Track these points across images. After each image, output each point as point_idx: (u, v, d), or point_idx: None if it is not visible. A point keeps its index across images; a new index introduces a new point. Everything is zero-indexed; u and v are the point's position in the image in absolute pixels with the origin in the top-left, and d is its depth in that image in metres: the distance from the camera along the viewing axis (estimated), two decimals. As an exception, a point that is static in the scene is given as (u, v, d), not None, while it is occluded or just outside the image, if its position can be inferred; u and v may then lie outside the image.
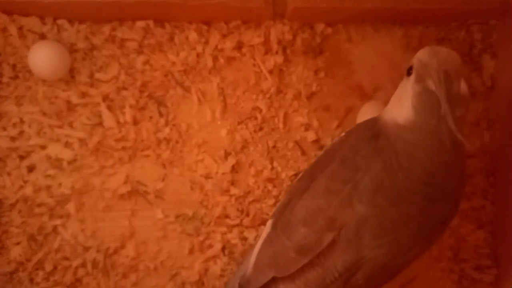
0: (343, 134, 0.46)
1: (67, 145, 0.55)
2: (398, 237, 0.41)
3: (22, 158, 0.54)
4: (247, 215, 0.55)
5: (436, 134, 0.39)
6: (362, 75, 0.56)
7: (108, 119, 0.55)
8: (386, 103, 0.55)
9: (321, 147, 0.56)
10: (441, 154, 0.40)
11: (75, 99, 0.55)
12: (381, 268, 0.42)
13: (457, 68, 0.39)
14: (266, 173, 0.55)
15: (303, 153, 0.56)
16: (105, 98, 0.55)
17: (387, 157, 0.41)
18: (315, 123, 0.56)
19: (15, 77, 0.55)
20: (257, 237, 0.54)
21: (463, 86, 0.40)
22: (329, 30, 0.56)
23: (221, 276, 0.55)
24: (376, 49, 0.56)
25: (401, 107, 0.41)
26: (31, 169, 0.54)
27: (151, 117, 0.55)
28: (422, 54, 0.41)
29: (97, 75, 0.55)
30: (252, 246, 0.49)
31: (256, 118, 0.56)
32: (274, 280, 0.44)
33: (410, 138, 0.40)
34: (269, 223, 0.47)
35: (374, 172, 0.41)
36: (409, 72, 0.41)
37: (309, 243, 0.42)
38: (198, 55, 0.56)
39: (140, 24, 0.55)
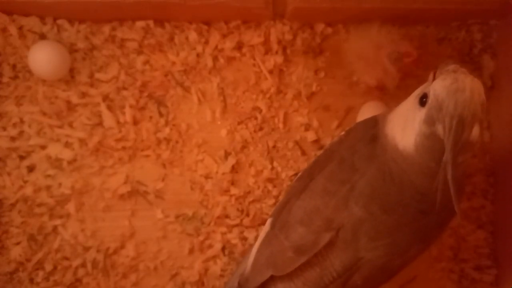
0: (342, 133, 0.46)
1: (67, 145, 0.54)
2: (394, 240, 0.41)
3: (22, 158, 0.54)
4: (247, 215, 0.55)
5: (432, 173, 0.37)
6: (362, 74, 0.56)
7: (108, 119, 0.55)
8: (386, 102, 0.54)
9: (321, 147, 0.56)
10: (433, 183, 0.37)
11: (75, 99, 0.55)
12: (379, 269, 0.42)
13: (475, 113, 0.35)
14: (266, 173, 0.55)
15: (303, 153, 0.56)
16: (105, 98, 0.55)
17: (381, 167, 0.41)
18: (315, 123, 0.56)
19: (15, 77, 0.55)
20: (257, 237, 0.54)
21: (475, 131, 0.36)
22: (329, 30, 0.56)
23: (221, 276, 0.55)
24: (376, 48, 0.56)
25: (403, 135, 0.39)
26: (31, 169, 0.54)
27: (151, 117, 0.55)
28: (441, 88, 0.36)
29: (97, 75, 0.55)
30: (252, 246, 0.49)
31: (256, 118, 0.56)
32: (272, 278, 0.45)
33: (405, 166, 0.39)
34: (268, 222, 0.47)
35: (369, 177, 0.41)
36: (422, 100, 0.38)
37: (307, 243, 0.42)
38: (198, 55, 0.56)
39: (140, 24, 0.55)
